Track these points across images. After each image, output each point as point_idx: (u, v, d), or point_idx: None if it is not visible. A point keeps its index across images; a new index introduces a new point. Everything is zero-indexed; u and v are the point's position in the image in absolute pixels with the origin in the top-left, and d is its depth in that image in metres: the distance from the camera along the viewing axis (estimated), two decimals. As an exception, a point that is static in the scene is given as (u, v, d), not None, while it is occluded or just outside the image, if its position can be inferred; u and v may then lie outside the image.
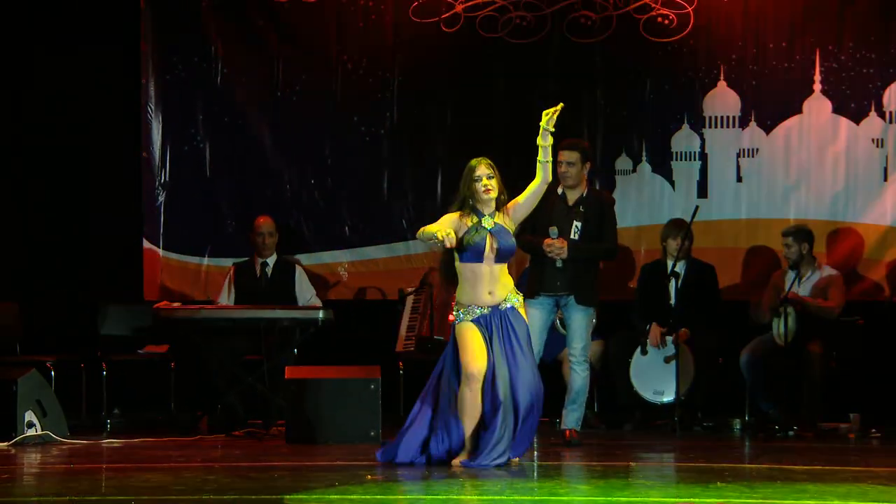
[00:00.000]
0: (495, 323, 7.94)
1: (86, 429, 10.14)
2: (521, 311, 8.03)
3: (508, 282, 8.03)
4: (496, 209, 8.00)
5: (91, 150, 11.51)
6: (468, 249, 7.90)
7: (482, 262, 7.92)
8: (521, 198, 8.05)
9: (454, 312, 8.08)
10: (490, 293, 7.95)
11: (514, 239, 8.00)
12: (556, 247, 9.05)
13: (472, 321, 7.94)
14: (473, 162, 8.04)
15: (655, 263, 10.59)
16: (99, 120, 11.49)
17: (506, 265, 8.03)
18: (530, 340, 8.04)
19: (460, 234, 7.91)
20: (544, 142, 8.02)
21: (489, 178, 7.96)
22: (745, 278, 10.99)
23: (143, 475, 7.48)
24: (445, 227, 7.84)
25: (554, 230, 9.09)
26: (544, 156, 8.03)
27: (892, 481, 7.26)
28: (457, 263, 7.98)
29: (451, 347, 8.05)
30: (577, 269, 9.12)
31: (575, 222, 9.17)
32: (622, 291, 10.98)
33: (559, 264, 9.08)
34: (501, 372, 7.88)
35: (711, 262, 10.64)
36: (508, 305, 7.97)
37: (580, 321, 9.11)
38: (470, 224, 7.95)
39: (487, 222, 7.96)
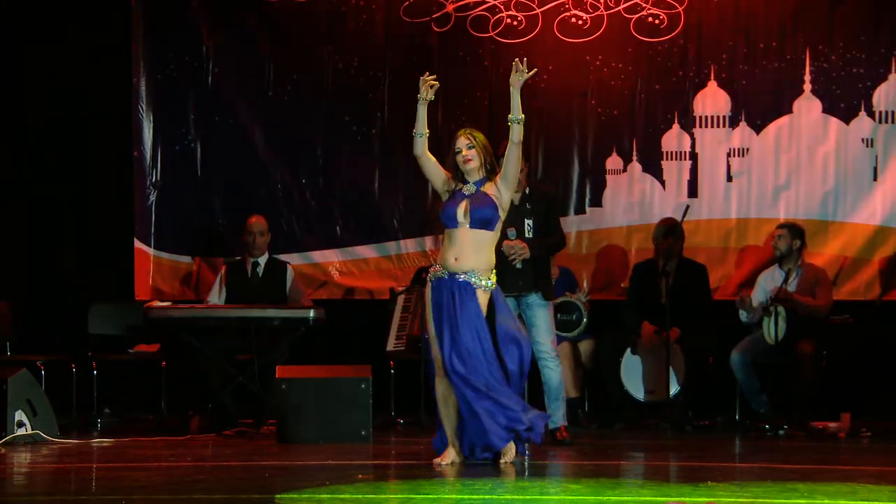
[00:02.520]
0: (446, 290, 7.88)
1: (76, 428, 10.14)
2: (481, 294, 7.85)
3: (483, 258, 7.91)
4: (486, 177, 7.99)
5: (82, 149, 11.51)
6: (444, 216, 7.97)
7: (457, 226, 7.93)
8: (503, 170, 7.99)
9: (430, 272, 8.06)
10: (456, 259, 7.90)
11: (494, 208, 7.90)
12: (517, 248, 9.02)
13: (432, 281, 7.94)
14: (459, 132, 8.10)
15: (646, 263, 10.60)
16: (90, 119, 11.49)
17: (487, 238, 7.91)
18: (480, 324, 7.85)
19: (443, 194, 8.03)
20: (515, 97, 7.93)
21: (469, 147, 8.00)
22: (735, 278, 11.01)
23: (134, 475, 7.47)
24: (436, 168, 8.04)
25: (512, 231, 9.05)
26: (515, 114, 7.97)
27: (882, 480, 7.28)
28: (445, 228, 8.03)
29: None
30: (536, 266, 9.10)
31: (527, 220, 9.16)
32: (613, 291, 11.00)
33: (519, 265, 9.04)
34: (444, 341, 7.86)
35: (702, 262, 10.66)
36: (464, 279, 7.86)
37: (544, 317, 9.10)
38: (455, 188, 8.02)
39: (469, 189, 7.98)
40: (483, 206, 7.91)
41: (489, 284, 7.93)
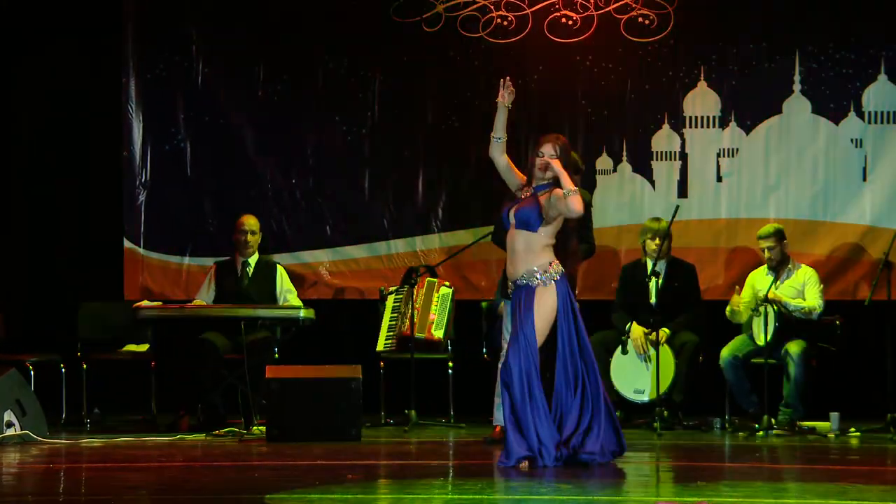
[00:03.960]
0: (515, 299, 7.96)
1: (66, 428, 10.12)
2: (542, 292, 7.84)
3: (535, 259, 7.87)
4: (550, 185, 7.95)
5: (72, 149, 11.50)
6: (503, 220, 8.01)
7: (508, 227, 7.99)
8: (555, 203, 7.91)
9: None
10: (512, 266, 7.97)
11: (536, 210, 7.88)
12: None
13: (510, 295, 8.04)
14: (543, 137, 8.08)
15: (635, 263, 10.61)
16: (79, 119, 11.48)
17: (532, 239, 7.87)
18: (532, 325, 7.86)
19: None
20: (562, 174, 7.92)
21: (551, 156, 7.95)
22: (725, 278, 11.02)
23: (124, 475, 7.47)
24: (514, 172, 8.07)
25: None
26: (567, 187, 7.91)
27: (871, 480, 7.29)
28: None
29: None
30: None
31: None
32: (603, 291, 11.00)
33: None
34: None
35: (691, 262, 10.66)
36: (524, 283, 7.91)
37: None
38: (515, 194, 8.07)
39: (527, 192, 8.00)
40: (527, 206, 7.91)
41: (547, 277, 7.86)
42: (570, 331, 7.90)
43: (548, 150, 7.98)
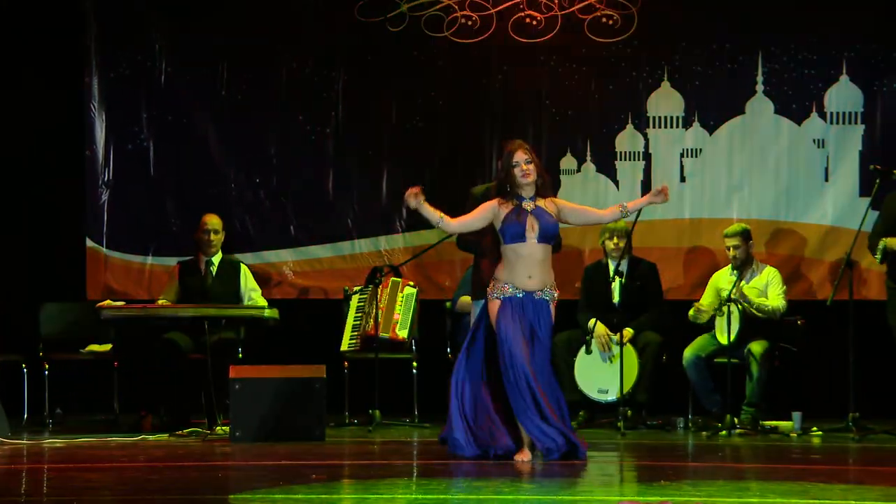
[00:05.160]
0: (527, 309, 8.01)
1: (27, 429, 10.07)
2: (552, 309, 8.07)
3: (549, 272, 8.07)
4: (536, 193, 8.07)
5: (33, 147, 11.44)
6: (511, 233, 8.01)
7: (524, 241, 7.99)
8: (576, 208, 8.17)
9: (491, 288, 8.10)
10: (530, 277, 8.01)
11: (556, 222, 8.04)
12: None
13: (502, 299, 8.01)
14: (511, 146, 8.11)
15: (597, 264, 10.63)
16: (42, 118, 11.42)
17: (549, 252, 8.06)
18: (549, 337, 8.11)
19: (499, 220, 8.03)
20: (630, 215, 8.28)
21: (527, 163, 8.04)
22: (688, 278, 11.06)
23: (86, 475, 7.43)
24: (477, 214, 8.09)
25: None
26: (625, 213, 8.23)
27: (833, 479, 7.33)
28: (501, 246, 8.08)
29: (483, 326, 8.14)
30: None
31: None
32: (568, 291, 11.01)
33: None
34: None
35: (654, 262, 10.69)
36: (545, 298, 8.04)
37: None
38: (510, 209, 8.04)
39: (528, 205, 8.04)
40: (549, 222, 8.02)
41: (554, 294, 8.11)
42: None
43: (522, 157, 8.06)
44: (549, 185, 8.21)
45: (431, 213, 8.04)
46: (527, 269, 8.02)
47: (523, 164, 8.03)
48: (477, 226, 8.19)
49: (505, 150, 8.15)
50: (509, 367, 7.98)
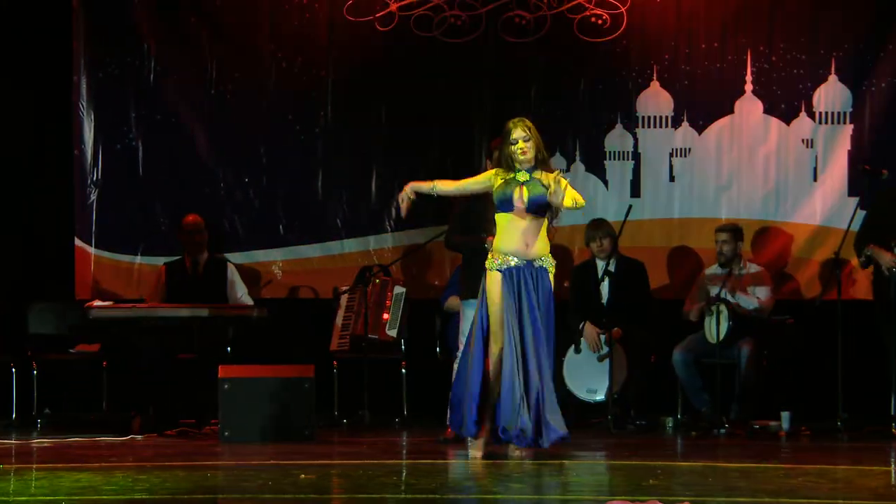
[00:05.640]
0: (525, 277, 8.07)
1: (16, 429, 10.05)
2: (552, 277, 8.14)
3: (546, 243, 8.15)
4: (536, 167, 8.14)
5: (22, 147, 11.41)
6: (499, 200, 8.11)
7: (513, 210, 8.08)
8: (558, 192, 8.07)
9: (489, 261, 8.16)
10: (527, 244, 8.10)
11: (547, 193, 8.05)
12: None
13: (500, 270, 8.08)
14: (510, 124, 8.19)
15: (585, 263, 10.63)
16: (30, 117, 11.39)
17: (543, 223, 8.13)
18: (551, 310, 8.14)
19: (494, 188, 8.14)
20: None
21: (525, 140, 8.12)
22: (678, 277, 11.07)
23: (75, 475, 7.42)
24: (474, 179, 8.27)
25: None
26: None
27: (822, 478, 7.34)
28: (497, 214, 8.18)
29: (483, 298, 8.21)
30: None
31: None
32: (556, 291, 11.01)
33: None
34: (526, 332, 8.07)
35: (644, 261, 10.69)
36: (542, 266, 8.11)
37: None
38: (506, 177, 8.14)
39: (521, 175, 8.12)
40: (539, 192, 8.06)
41: (553, 265, 8.18)
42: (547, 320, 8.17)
43: (520, 135, 8.13)
44: (547, 160, 8.26)
45: (423, 186, 8.28)
46: (521, 237, 8.12)
47: (521, 142, 8.12)
48: (471, 189, 8.36)
49: (504, 131, 8.21)
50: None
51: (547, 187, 8.05)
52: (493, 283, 8.10)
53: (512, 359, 8.01)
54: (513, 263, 8.09)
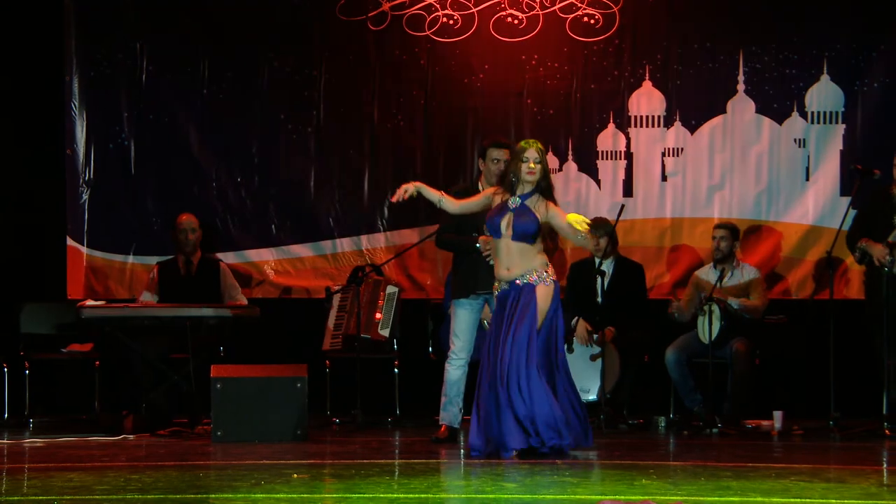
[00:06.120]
0: (510, 298, 8.27)
1: (8, 428, 10.04)
2: (543, 289, 8.21)
3: (532, 261, 8.25)
4: (535, 191, 8.26)
5: (13, 146, 11.39)
6: (489, 226, 8.34)
7: (500, 237, 8.27)
8: (564, 220, 8.21)
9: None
10: (507, 269, 8.28)
11: (536, 223, 8.22)
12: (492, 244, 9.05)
13: (497, 295, 8.35)
14: (524, 143, 8.37)
15: (583, 262, 10.64)
16: (22, 117, 11.38)
17: (529, 248, 8.25)
18: (535, 319, 8.20)
19: (490, 208, 8.35)
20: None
21: (536, 162, 8.26)
22: (670, 277, 11.08)
23: (67, 475, 7.41)
24: (477, 198, 8.49)
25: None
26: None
27: (814, 478, 7.35)
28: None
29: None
30: None
31: None
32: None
33: (492, 262, 9.08)
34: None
35: (636, 260, 10.70)
36: (524, 282, 8.24)
37: None
38: (499, 202, 8.32)
39: (514, 202, 8.26)
40: (525, 221, 8.21)
41: (545, 276, 8.26)
42: (551, 331, 8.29)
43: (532, 156, 8.27)
44: (550, 189, 8.35)
45: (431, 193, 8.45)
46: (505, 261, 8.32)
47: (532, 163, 8.26)
48: (474, 209, 8.55)
49: (517, 148, 8.37)
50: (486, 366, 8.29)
51: (535, 216, 8.19)
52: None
53: (488, 378, 8.22)
54: (499, 288, 8.37)
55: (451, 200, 8.52)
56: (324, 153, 11.35)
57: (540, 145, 8.36)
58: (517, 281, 8.26)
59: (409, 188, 8.39)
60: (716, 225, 10.52)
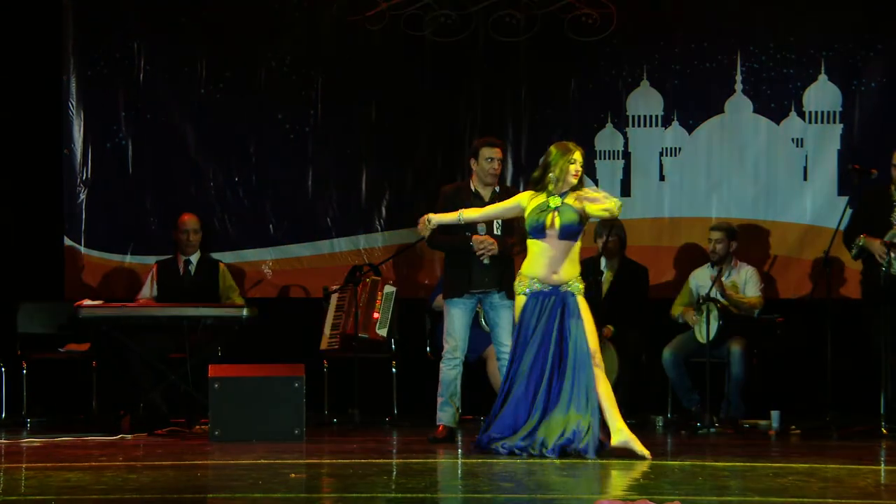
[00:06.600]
0: (553, 304, 8.24)
1: (5, 428, 10.04)
2: (581, 299, 8.27)
3: (576, 267, 8.31)
4: (571, 191, 8.32)
5: (11, 146, 11.38)
6: (532, 228, 8.31)
7: (545, 238, 8.26)
8: (588, 208, 8.28)
9: (516, 284, 8.38)
10: (553, 271, 8.28)
11: (580, 221, 8.27)
12: (486, 243, 9.07)
13: (526, 294, 8.28)
14: (571, 145, 8.42)
15: (591, 259, 10.63)
16: (19, 116, 11.36)
17: (575, 248, 8.30)
18: (583, 330, 8.25)
19: (526, 213, 8.35)
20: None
21: (581, 165, 8.37)
22: (667, 277, 11.07)
23: (64, 475, 7.41)
24: (504, 204, 8.57)
25: (482, 227, 9.12)
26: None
27: (812, 477, 7.35)
28: (528, 240, 8.37)
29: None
30: (502, 263, 9.16)
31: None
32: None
33: (486, 261, 9.10)
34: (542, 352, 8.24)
35: (634, 260, 10.71)
36: (569, 290, 8.26)
37: (508, 318, 9.16)
38: (539, 202, 8.32)
39: (554, 201, 8.30)
40: (571, 220, 8.25)
41: (581, 289, 8.32)
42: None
43: (579, 160, 8.35)
44: (583, 184, 8.45)
45: (448, 217, 8.62)
46: (548, 263, 8.29)
47: (578, 166, 8.34)
48: (499, 215, 8.72)
49: (561, 148, 8.37)
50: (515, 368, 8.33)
51: (576, 212, 8.26)
52: (518, 307, 8.36)
53: (526, 380, 8.24)
54: (537, 288, 8.29)
55: (469, 211, 8.66)
56: (321, 153, 11.34)
57: (582, 150, 8.47)
58: (561, 288, 8.27)
59: (426, 227, 8.54)
60: (711, 227, 10.51)
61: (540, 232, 8.29)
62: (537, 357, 8.24)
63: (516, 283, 8.40)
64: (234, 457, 8.34)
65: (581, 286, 8.32)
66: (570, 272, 8.29)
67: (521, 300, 8.35)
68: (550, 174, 8.32)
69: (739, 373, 10.11)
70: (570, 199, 8.32)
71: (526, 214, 8.37)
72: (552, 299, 8.27)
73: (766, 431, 9.87)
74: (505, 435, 8.22)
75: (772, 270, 10.93)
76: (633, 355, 10.34)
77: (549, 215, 8.26)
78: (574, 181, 8.32)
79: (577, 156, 8.35)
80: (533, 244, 8.35)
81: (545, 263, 8.29)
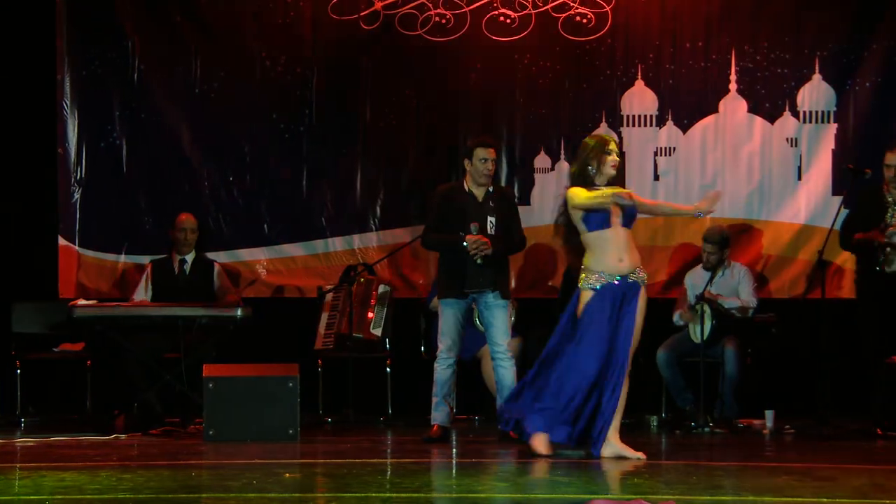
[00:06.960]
0: (620, 296, 8.15)
1: (0, 428, 10.02)
2: (643, 293, 8.22)
3: (637, 252, 8.26)
4: (613, 182, 8.27)
5: (5, 146, 11.37)
6: (597, 218, 8.16)
7: (609, 227, 8.16)
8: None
9: (581, 280, 8.20)
10: (621, 260, 8.17)
11: (635, 205, 8.18)
12: (480, 243, 9.08)
13: (597, 289, 8.12)
14: (605, 136, 8.44)
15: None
16: (13, 116, 11.36)
17: (631, 234, 8.22)
18: (633, 320, 8.20)
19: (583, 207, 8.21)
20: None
21: (618, 154, 8.31)
22: (661, 277, 11.08)
23: (58, 474, 7.41)
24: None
25: (475, 227, 9.12)
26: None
27: (806, 476, 7.36)
28: (583, 235, 8.19)
29: (571, 312, 8.26)
30: (497, 263, 9.17)
31: (489, 217, 9.23)
32: (540, 289, 11.04)
33: (480, 261, 9.11)
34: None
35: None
36: (637, 280, 8.20)
37: (502, 317, 9.17)
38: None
39: (608, 190, 8.18)
40: (629, 205, 8.17)
41: (644, 278, 8.27)
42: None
43: (614, 149, 8.29)
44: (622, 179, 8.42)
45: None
46: (617, 252, 8.18)
47: (615, 155, 8.26)
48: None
49: (594, 141, 8.30)
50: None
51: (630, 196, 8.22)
52: (584, 301, 8.17)
53: (592, 374, 8.21)
54: (605, 281, 8.15)
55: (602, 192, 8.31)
56: (316, 152, 11.34)
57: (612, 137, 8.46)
58: (629, 277, 8.16)
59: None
60: (704, 237, 10.46)
61: (605, 222, 8.14)
62: (591, 353, 8.14)
63: (582, 277, 8.19)
64: (229, 456, 8.34)
65: (644, 275, 8.25)
66: (635, 259, 8.20)
67: (587, 294, 8.14)
68: (590, 167, 8.24)
69: (733, 372, 10.12)
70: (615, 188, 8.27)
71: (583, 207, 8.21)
72: (620, 294, 8.14)
73: (760, 431, 9.88)
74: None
75: (765, 270, 10.94)
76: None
77: (615, 205, 8.15)
78: (613, 172, 8.22)
79: (613, 146, 8.28)
80: (596, 237, 8.14)
81: (613, 253, 8.16)
